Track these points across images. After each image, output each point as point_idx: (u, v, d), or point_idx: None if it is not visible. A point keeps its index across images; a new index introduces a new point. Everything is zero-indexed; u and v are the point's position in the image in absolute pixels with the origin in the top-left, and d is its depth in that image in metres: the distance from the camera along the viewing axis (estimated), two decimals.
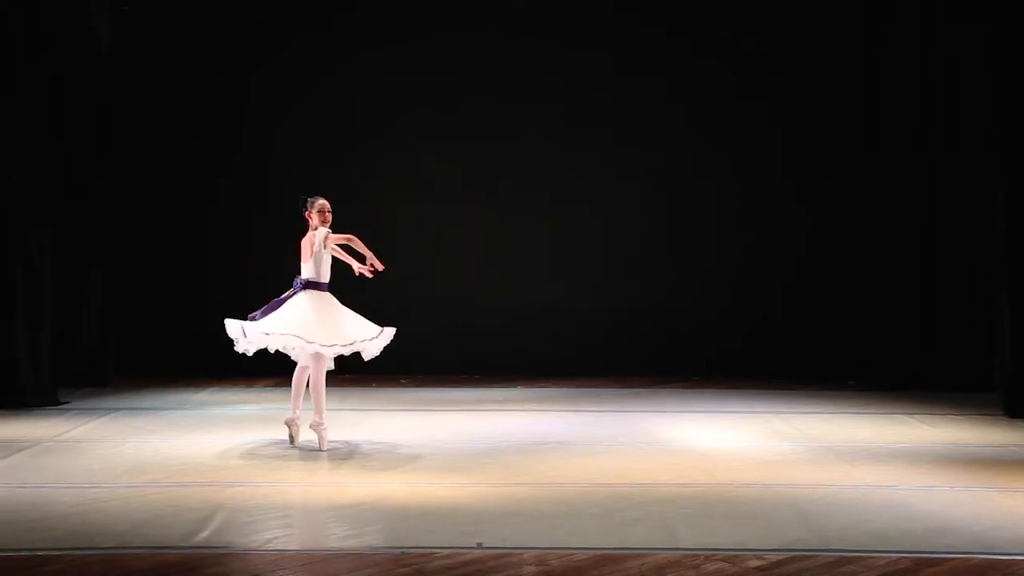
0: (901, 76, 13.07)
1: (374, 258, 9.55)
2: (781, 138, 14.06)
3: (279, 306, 9.45)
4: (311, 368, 9.49)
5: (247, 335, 9.33)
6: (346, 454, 9.39)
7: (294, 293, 9.52)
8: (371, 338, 9.53)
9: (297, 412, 9.65)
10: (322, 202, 9.54)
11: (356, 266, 9.80)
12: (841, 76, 13.81)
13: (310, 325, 9.30)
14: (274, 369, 12.75)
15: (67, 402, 11.66)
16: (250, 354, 9.59)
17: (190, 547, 6.74)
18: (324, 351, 9.33)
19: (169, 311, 13.97)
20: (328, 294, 9.57)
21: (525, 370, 13.79)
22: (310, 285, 9.50)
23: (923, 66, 12.93)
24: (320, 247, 9.45)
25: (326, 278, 9.56)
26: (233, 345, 9.43)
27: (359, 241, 9.53)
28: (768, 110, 14.02)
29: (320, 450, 9.43)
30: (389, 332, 9.59)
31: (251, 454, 9.32)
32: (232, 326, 9.37)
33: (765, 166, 14.11)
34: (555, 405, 11.99)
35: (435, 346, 14.00)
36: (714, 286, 14.15)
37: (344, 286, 9.84)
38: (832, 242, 14.04)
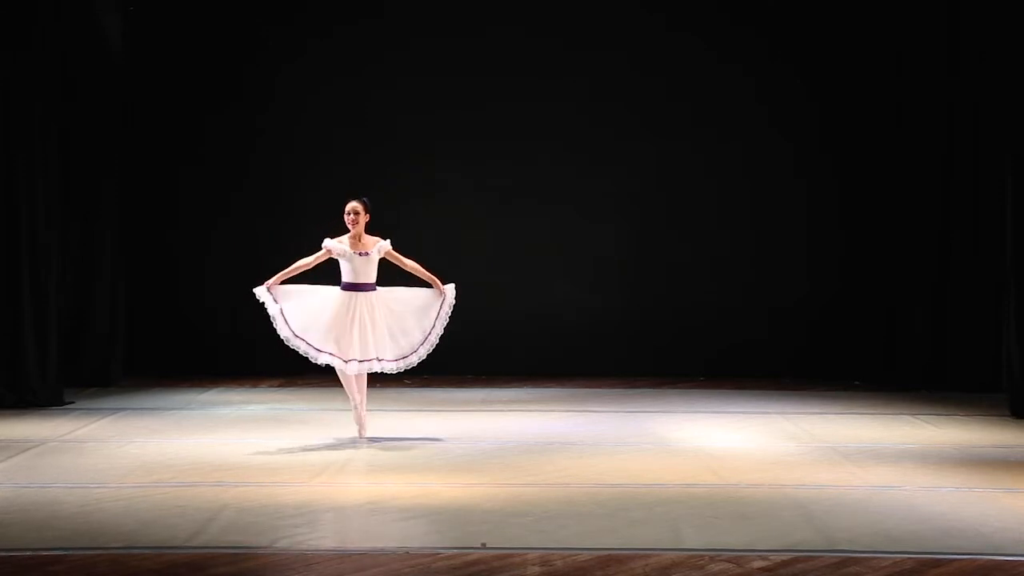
0: (918, 77, 13.04)
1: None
2: (794, 138, 14.02)
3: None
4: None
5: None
6: (351, 454, 9.40)
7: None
8: (393, 359, 9.94)
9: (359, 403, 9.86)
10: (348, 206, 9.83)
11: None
12: (857, 77, 13.74)
13: (318, 331, 9.61)
14: (280, 369, 12.78)
15: (73, 402, 11.66)
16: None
17: (196, 547, 6.74)
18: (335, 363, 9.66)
19: (175, 311, 13.97)
20: (365, 294, 9.78)
21: (531, 370, 13.78)
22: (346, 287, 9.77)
23: (938, 66, 12.91)
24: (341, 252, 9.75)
25: (362, 279, 9.78)
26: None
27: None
28: (780, 110, 13.99)
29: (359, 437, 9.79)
30: (412, 359, 10.13)
31: (257, 454, 9.32)
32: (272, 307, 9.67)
33: (777, 166, 14.07)
34: (561, 405, 11.99)
35: (441, 346, 13.96)
36: (721, 287, 14.11)
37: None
38: (841, 243, 14.00)
